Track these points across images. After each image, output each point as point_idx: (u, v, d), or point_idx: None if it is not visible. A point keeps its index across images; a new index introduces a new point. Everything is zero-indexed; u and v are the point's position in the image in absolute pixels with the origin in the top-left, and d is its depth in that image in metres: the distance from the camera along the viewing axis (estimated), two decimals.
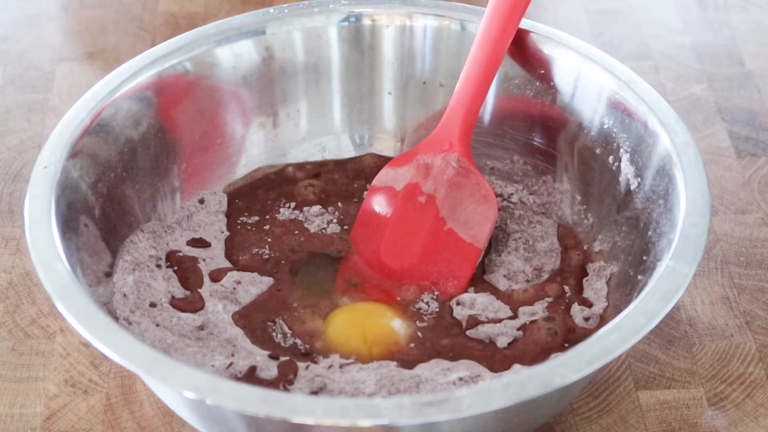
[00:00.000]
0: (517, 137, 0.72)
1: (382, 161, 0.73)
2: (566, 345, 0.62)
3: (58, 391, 0.65)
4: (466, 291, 0.66)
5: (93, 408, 0.64)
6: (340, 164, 0.74)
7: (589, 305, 0.64)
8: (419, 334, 0.63)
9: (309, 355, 0.62)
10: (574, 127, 0.68)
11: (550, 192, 0.71)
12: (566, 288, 0.66)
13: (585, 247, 0.68)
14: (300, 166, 0.74)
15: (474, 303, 0.65)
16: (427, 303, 0.65)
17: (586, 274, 0.66)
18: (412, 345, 0.62)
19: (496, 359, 0.62)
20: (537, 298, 0.65)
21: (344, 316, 0.64)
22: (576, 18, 0.92)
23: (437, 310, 0.65)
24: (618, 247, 0.65)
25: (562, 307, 0.64)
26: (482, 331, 0.63)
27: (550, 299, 0.65)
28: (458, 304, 0.65)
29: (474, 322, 0.64)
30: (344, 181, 0.73)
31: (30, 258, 0.56)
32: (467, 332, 0.63)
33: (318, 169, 0.74)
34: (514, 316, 0.64)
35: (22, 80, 0.87)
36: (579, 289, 0.66)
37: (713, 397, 0.64)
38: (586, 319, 0.64)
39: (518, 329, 0.63)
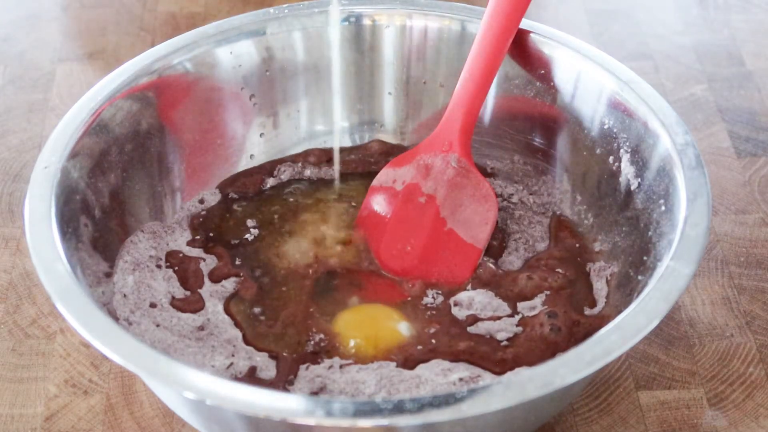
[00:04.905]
0: (517, 137, 0.72)
1: (388, 147, 0.74)
2: (571, 340, 0.62)
3: (58, 391, 0.65)
4: (465, 289, 0.66)
5: (93, 408, 0.64)
6: (345, 151, 0.75)
7: (590, 305, 0.64)
8: (429, 330, 0.63)
9: (310, 355, 0.62)
10: (574, 127, 0.68)
11: (550, 192, 0.71)
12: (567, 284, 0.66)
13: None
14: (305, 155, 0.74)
15: (472, 302, 0.65)
16: (433, 297, 0.65)
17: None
18: (418, 347, 0.62)
19: (500, 357, 0.61)
20: (538, 289, 0.65)
21: (354, 319, 0.64)
22: (576, 18, 0.92)
23: (441, 304, 0.65)
24: (618, 247, 0.65)
25: (564, 306, 0.64)
26: (482, 327, 0.63)
27: (548, 292, 0.65)
28: (456, 305, 0.65)
29: (474, 320, 0.64)
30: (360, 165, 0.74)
31: (30, 258, 0.56)
32: (468, 329, 0.63)
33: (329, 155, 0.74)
34: (513, 314, 0.64)
35: (22, 80, 0.87)
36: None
37: (713, 397, 0.64)
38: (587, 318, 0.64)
39: (517, 325, 0.63)
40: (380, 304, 0.65)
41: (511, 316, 0.64)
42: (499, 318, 0.64)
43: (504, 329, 0.63)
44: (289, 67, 0.72)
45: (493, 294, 0.65)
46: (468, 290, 0.65)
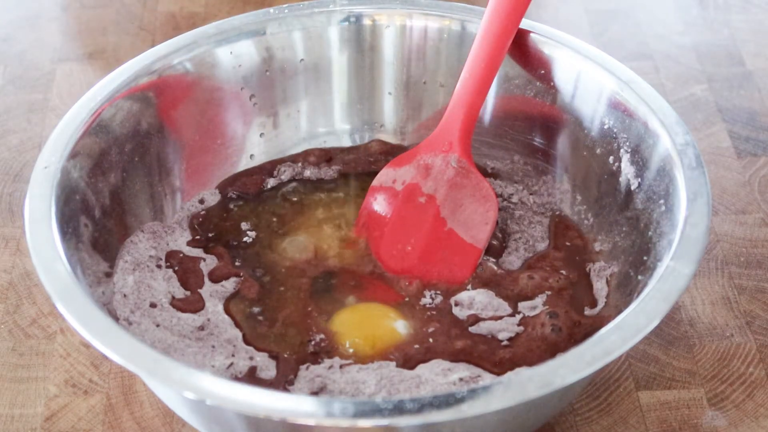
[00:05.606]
0: (517, 137, 0.72)
1: (388, 147, 0.74)
2: (571, 340, 0.62)
3: (58, 391, 0.65)
4: (465, 289, 0.65)
5: (93, 408, 0.64)
6: (345, 151, 0.75)
7: (590, 305, 0.64)
8: (429, 329, 0.63)
9: (310, 355, 0.62)
10: (575, 127, 0.68)
11: (550, 192, 0.71)
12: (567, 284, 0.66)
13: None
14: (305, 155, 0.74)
15: (473, 302, 0.64)
16: (431, 298, 0.65)
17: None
18: (416, 346, 0.62)
19: (500, 357, 0.61)
20: (538, 289, 0.65)
21: (351, 317, 0.64)
22: (576, 18, 0.92)
23: (442, 303, 0.65)
24: (618, 247, 0.65)
25: (564, 306, 0.64)
26: (484, 327, 0.63)
27: (549, 292, 0.65)
28: (456, 304, 0.65)
29: (475, 319, 0.64)
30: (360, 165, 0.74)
31: (30, 258, 0.56)
32: (469, 329, 0.63)
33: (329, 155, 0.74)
34: (514, 313, 0.64)
35: (22, 80, 0.87)
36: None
37: (713, 397, 0.64)
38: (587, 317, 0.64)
39: (518, 324, 0.63)
40: (378, 303, 0.65)
41: (512, 315, 0.64)
42: (501, 318, 0.64)
43: (505, 329, 0.63)
44: (289, 67, 0.72)
45: (494, 294, 0.65)
46: (468, 290, 0.65)
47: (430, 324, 0.63)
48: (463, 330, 0.63)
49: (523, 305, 0.64)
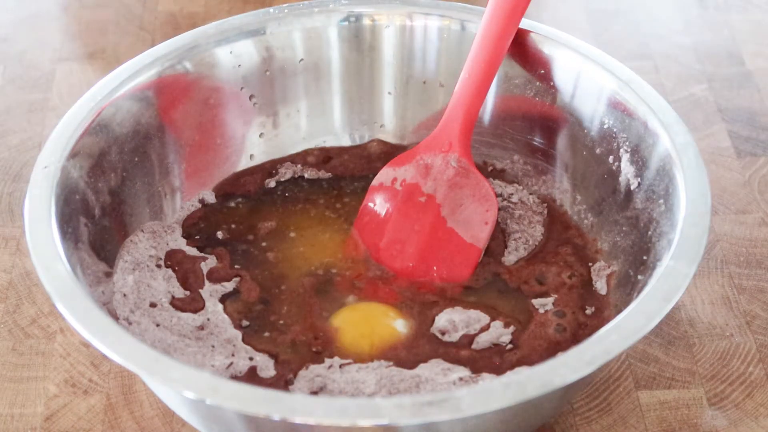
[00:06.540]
0: (517, 137, 0.72)
1: (388, 147, 0.74)
2: (572, 340, 0.62)
3: (58, 391, 0.65)
4: (433, 317, 0.65)
5: (93, 408, 0.64)
6: (345, 150, 0.75)
7: (590, 305, 0.64)
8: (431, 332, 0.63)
9: (310, 354, 0.62)
10: (574, 127, 0.68)
11: (550, 192, 0.71)
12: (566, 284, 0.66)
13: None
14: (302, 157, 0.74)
15: (453, 323, 0.63)
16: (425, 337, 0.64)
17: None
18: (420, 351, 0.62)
19: (506, 359, 0.61)
20: (538, 289, 0.65)
21: (350, 316, 0.64)
22: (576, 18, 0.92)
23: (431, 337, 0.64)
24: (618, 247, 0.66)
25: (563, 305, 0.64)
26: (482, 341, 0.63)
27: (549, 291, 0.65)
28: (443, 333, 0.63)
29: (469, 338, 0.63)
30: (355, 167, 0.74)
31: (30, 258, 0.56)
32: (471, 347, 0.63)
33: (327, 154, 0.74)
34: (493, 318, 0.64)
35: (22, 80, 0.87)
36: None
37: (713, 397, 0.64)
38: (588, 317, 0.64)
39: (505, 326, 0.63)
40: (378, 302, 0.65)
41: (493, 319, 0.64)
42: (488, 326, 0.63)
43: (502, 333, 0.63)
44: (289, 67, 0.72)
45: (462, 308, 0.64)
46: (440, 315, 0.64)
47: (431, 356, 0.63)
48: (464, 348, 0.62)
49: (522, 305, 0.64)
